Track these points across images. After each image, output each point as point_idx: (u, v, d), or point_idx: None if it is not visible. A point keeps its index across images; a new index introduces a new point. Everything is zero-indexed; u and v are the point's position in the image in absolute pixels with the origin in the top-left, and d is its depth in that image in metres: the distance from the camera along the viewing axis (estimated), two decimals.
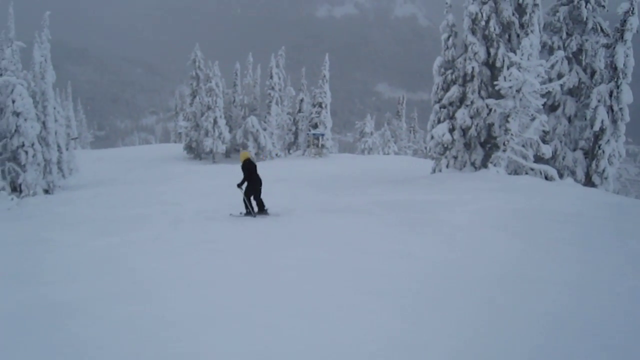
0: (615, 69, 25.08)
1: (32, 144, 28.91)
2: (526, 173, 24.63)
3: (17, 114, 28.36)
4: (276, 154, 60.55)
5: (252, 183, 16.44)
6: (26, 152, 28.68)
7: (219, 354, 5.82)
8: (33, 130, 28.65)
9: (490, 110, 26.24)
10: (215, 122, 56.95)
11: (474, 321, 6.76)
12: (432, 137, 28.26)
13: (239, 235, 13.09)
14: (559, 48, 26.98)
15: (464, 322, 6.71)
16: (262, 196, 16.75)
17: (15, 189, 28.98)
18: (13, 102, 28.25)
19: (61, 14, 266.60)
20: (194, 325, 6.66)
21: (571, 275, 8.82)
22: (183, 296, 7.93)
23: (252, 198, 16.49)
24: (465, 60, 27.27)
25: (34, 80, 31.43)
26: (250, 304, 7.48)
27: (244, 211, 16.64)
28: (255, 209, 16.50)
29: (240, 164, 16.91)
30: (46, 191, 30.50)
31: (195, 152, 61.15)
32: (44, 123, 30.93)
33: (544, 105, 26.07)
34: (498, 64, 26.48)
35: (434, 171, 29.46)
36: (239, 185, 16.43)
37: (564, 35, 27.18)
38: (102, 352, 5.93)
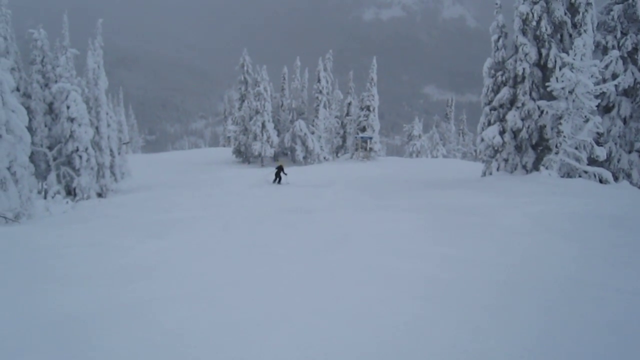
0: None
1: (86, 149, 29.68)
2: (579, 176, 24.16)
3: (72, 120, 29.17)
4: (324, 158, 60.68)
5: (279, 175, 33.81)
6: (80, 157, 29.46)
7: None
8: (87, 135, 29.43)
9: (542, 112, 25.84)
10: (263, 126, 57.44)
11: (533, 329, 6.66)
12: (482, 140, 27.98)
13: (290, 237, 13.18)
14: (613, 47, 26.39)
15: (523, 330, 6.62)
16: (309, 199, 22.36)
17: (70, 192, 29.82)
18: (68, 108, 29.07)
19: (113, 20, 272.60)
20: (252, 328, 6.75)
21: (629, 281, 8.63)
22: (236, 300, 8.04)
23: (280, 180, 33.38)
24: (515, 61, 26.92)
25: (88, 86, 32.30)
26: (306, 308, 7.54)
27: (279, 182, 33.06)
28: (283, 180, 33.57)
29: (278, 166, 34.37)
30: (99, 195, 31.25)
31: (243, 155, 61.76)
32: (97, 128, 31.74)
33: (597, 106, 25.56)
34: (550, 65, 26.04)
35: (484, 174, 29.14)
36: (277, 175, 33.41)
37: (619, 35, 26.57)
38: (162, 352, 6.07)
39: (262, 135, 57.46)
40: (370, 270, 9.52)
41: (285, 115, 62.56)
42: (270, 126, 57.75)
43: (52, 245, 13.55)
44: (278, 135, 60.46)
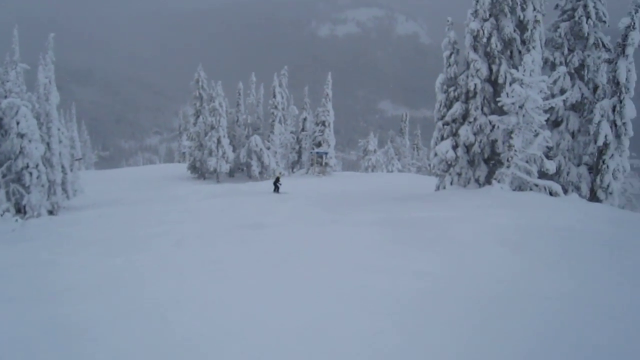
0: (618, 83, 25.12)
1: (37, 165, 29.02)
2: (530, 189, 24.59)
3: (22, 136, 28.50)
4: (280, 173, 60.61)
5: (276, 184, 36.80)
6: (30, 174, 28.78)
7: None
8: (37, 151, 28.78)
9: (494, 126, 26.32)
10: (218, 141, 57.14)
11: (471, 335, 6.80)
12: (436, 154, 28.32)
13: (244, 253, 13.08)
14: (561, 64, 27.05)
15: (462, 336, 6.74)
16: (264, 214, 22.01)
17: (20, 210, 29.05)
18: (17, 123, 28.39)
19: (65, 35, 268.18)
20: (201, 346, 6.67)
21: (570, 289, 8.89)
22: (186, 318, 7.93)
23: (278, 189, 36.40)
24: (467, 77, 27.39)
25: (38, 101, 31.63)
26: (258, 324, 7.48)
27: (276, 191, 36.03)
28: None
29: (276, 178, 38.05)
30: (50, 212, 30.54)
31: (199, 171, 61.26)
32: (48, 144, 31.09)
33: (547, 121, 26.12)
34: (500, 81, 26.59)
35: (438, 188, 29.46)
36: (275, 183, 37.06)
37: (566, 51, 27.26)
38: None
39: (218, 150, 57.14)
40: (324, 285, 9.52)
41: (240, 130, 62.38)
42: (225, 142, 57.47)
43: None
44: (234, 151, 60.23)
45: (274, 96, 60.75)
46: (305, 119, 63.88)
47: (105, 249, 14.78)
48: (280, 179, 39.77)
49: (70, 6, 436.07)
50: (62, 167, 33.52)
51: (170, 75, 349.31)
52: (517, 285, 9.30)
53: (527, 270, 10.32)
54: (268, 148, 60.17)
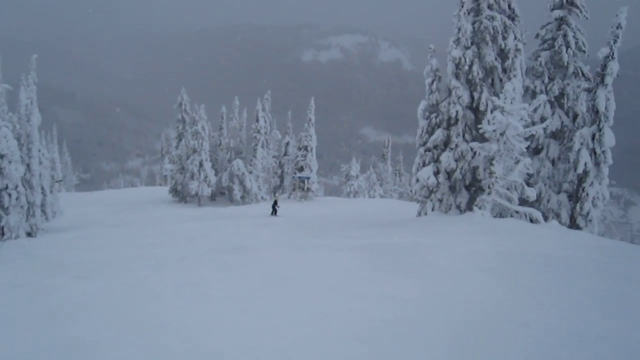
0: (597, 112, 25.46)
1: (16, 187, 28.66)
2: (511, 216, 24.71)
3: (2, 156, 28.19)
4: (262, 197, 60.45)
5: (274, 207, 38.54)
6: (9, 195, 28.41)
7: None
8: (17, 172, 28.44)
9: (475, 153, 26.50)
10: (201, 165, 56.92)
11: None
12: (418, 180, 28.43)
13: (224, 277, 12.97)
14: (541, 92, 27.37)
15: None
16: (245, 238, 22.05)
17: None
18: None
19: (48, 57, 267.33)
20: None
21: (550, 316, 8.90)
22: (163, 343, 7.81)
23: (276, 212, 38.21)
24: (449, 104, 27.61)
25: (19, 122, 31.34)
26: (238, 350, 7.38)
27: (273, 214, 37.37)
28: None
29: (274, 200, 39.38)
30: (29, 234, 30.11)
31: (180, 195, 60.90)
32: (28, 165, 30.75)
33: (527, 148, 26.38)
34: (482, 108, 26.85)
35: (419, 214, 29.53)
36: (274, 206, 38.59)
37: (546, 80, 27.61)
38: None
39: (200, 174, 56.89)
40: (303, 310, 9.45)
41: (223, 154, 62.25)
42: (207, 165, 57.25)
43: None
44: (216, 175, 59.99)
45: (257, 120, 60.78)
46: (287, 144, 63.95)
47: (83, 272, 14.57)
48: (278, 202, 41.77)
49: (54, 28, 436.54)
50: (42, 188, 33.11)
51: (154, 98, 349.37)
52: (497, 311, 9.30)
53: (507, 297, 10.33)
54: (250, 172, 60.02)
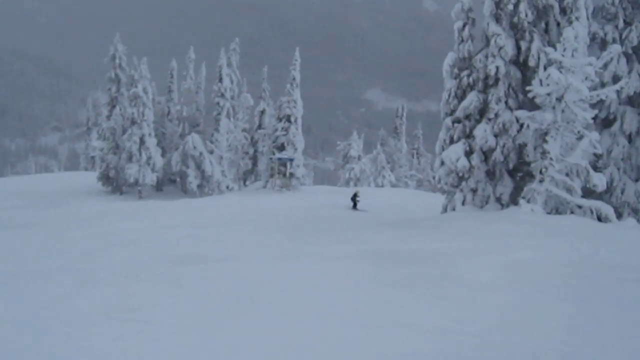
0: None
1: None
2: (571, 212, 24.71)
3: None
4: (227, 187, 60.37)
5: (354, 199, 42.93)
6: None
7: None
8: None
9: (522, 125, 26.39)
10: (142, 141, 56.68)
11: None
12: (443, 163, 28.38)
13: (174, 298, 12.90)
14: (614, 41, 27.30)
15: None
16: (205, 244, 22.09)
17: None
18: None
19: None
20: None
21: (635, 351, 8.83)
22: None
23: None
24: (486, 57, 27.52)
25: None
26: None
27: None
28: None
29: (354, 193, 44.15)
30: None
31: (114, 183, 60.69)
32: None
33: (594, 118, 26.28)
34: (531, 63, 26.73)
35: (445, 210, 29.53)
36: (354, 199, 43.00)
37: (621, 24, 27.54)
38: None
39: (141, 154, 56.65)
40: (285, 344, 9.41)
41: (173, 127, 62.07)
42: (151, 142, 57.02)
43: None
44: (163, 155, 59.79)
45: (221, 80, 60.50)
46: (263, 112, 63.73)
47: None
48: (358, 194, 44.19)
49: None
50: None
51: (77, 49, 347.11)
52: (558, 346, 9.19)
53: (570, 325, 10.23)
54: (211, 152, 59.83)
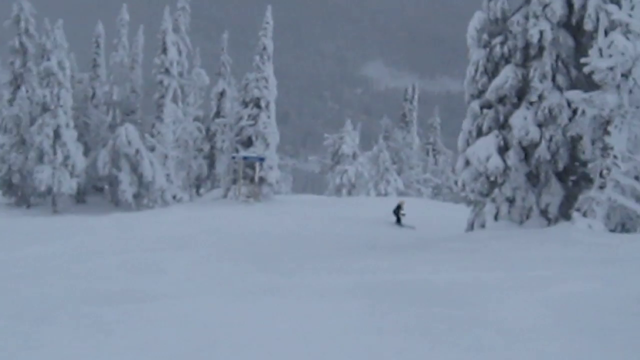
0: None
1: None
2: None
3: None
4: (174, 197, 60.25)
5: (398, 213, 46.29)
6: None
7: None
8: None
9: (575, 111, 26.40)
10: (57, 135, 56.53)
11: None
12: (468, 163, 28.40)
13: (99, 351, 12.80)
14: None
15: None
16: (142, 275, 22.85)
17: None
18: None
19: None
20: None
21: None
22: None
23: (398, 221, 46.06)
24: (527, 18, 27.54)
25: None
26: None
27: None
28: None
29: (397, 205, 46.81)
30: None
31: (19, 192, 60.56)
32: None
33: None
34: (587, 27, 26.72)
35: (471, 227, 29.57)
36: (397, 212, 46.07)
37: None
38: None
39: (55, 153, 56.49)
40: None
41: (99, 115, 62.02)
42: (70, 136, 56.90)
43: None
44: (86, 154, 59.71)
45: (165, 51, 60.40)
46: (222, 94, 63.80)
47: None
48: (403, 206, 46.66)
49: None
50: None
51: None
52: None
53: None
54: (152, 149, 59.63)
